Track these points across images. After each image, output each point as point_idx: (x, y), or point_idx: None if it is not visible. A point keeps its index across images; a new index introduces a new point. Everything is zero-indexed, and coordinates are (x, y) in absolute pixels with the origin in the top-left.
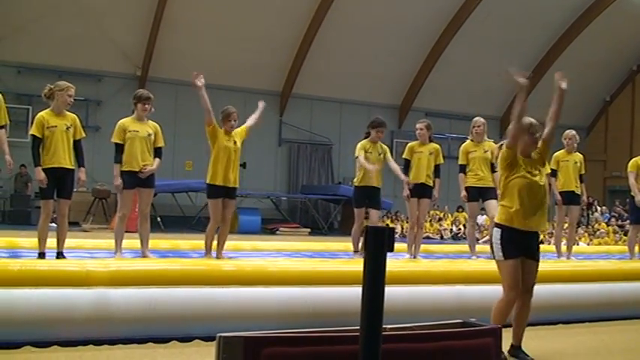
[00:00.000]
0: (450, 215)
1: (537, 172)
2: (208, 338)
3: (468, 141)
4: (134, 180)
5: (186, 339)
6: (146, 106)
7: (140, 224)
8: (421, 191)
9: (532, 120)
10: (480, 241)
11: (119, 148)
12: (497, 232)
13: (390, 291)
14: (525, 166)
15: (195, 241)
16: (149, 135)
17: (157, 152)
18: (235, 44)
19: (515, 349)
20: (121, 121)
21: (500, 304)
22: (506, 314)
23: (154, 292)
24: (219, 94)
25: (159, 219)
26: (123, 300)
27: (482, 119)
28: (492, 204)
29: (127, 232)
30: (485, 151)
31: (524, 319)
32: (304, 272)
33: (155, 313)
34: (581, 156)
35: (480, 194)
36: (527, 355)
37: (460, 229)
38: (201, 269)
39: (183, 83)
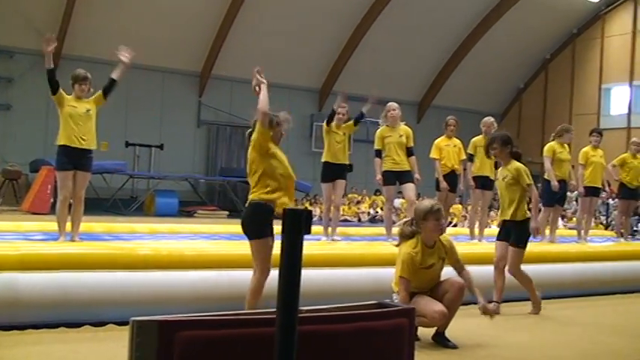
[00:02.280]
0: (367, 198)
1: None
2: (123, 323)
3: (383, 126)
4: (72, 162)
5: (99, 323)
6: (83, 86)
7: (73, 207)
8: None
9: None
10: (396, 224)
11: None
12: None
13: (307, 273)
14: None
15: (109, 224)
16: (87, 111)
17: None
18: (153, 21)
19: (439, 334)
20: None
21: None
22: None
23: (65, 276)
24: (136, 74)
25: (71, 201)
26: (33, 285)
27: (396, 104)
28: (409, 187)
29: (36, 213)
30: (401, 136)
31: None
32: (221, 255)
33: (67, 297)
34: None
35: (396, 178)
36: (449, 341)
37: (377, 212)
38: (115, 253)
39: (98, 61)
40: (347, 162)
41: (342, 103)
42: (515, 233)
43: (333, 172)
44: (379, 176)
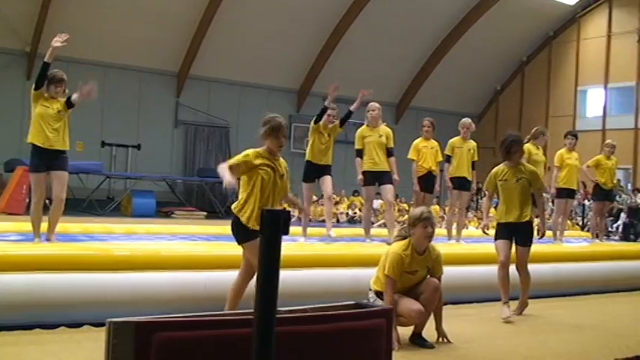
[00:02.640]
0: (346, 199)
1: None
2: (99, 324)
3: (363, 126)
4: (45, 163)
5: (75, 325)
6: (58, 88)
7: (52, 208)
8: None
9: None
10: (374, 225)
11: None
12: None
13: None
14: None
15: (86, 225)
16: (59, 112)
17: None
18: (130, 21)
19: (416, 335)
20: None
21: None
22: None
23: (41, 277)
24: (113, 73)
25: (47, 201)
26: (8, 286)
27: (377, 104)
28: (387, 188)
29: (11, 214)
30: (380, 136)
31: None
32: (199, 256)
33: (42, 299)
34: (474, 143)
35: (375, 178)
36: (427, 341)
37: (356, 212)
38: (92, 254)
39: (74, 60)
40: (330, 163)
41: (332, 105)
42: (523, 233)
43: (316, 171)
44: (360, 176)
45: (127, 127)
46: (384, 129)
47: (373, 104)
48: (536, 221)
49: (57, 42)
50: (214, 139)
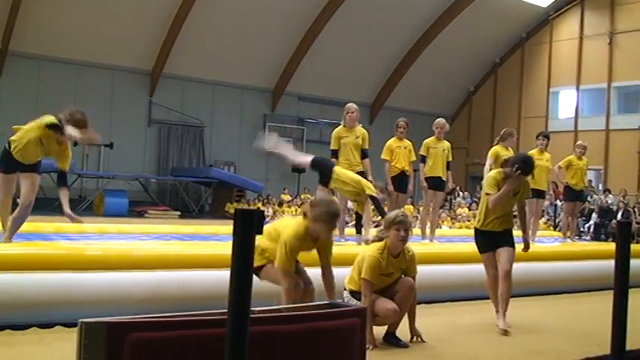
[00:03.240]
0: None
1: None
2: (71, 325)
3: (340, 126)
4: (18, 166)
5: (47, 325)
6: (63, 139)
7: (18, 209)
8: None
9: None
10: (349, 224)
11: None
12: None
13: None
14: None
15: (57, 224)
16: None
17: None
18: (103, 18)
19: (390, 335)
20: None
21: None
22: None
23: (11, 277)
24: (85, 71)
25: (18, 200)
26: None
27: (355, 105)
28: None
29: None
30: (357, 137)
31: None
32: (172, 256)
33: (12, 299)
34: (449, 144)
35: None
36: (400, 340)
37: None
38: (64, 253)
39: (47, 58)
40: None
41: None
42: (508, 237)
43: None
44: None
45: (99, 125)
46: (360, 130)
47: (352, 105)
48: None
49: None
50: (188, 138)
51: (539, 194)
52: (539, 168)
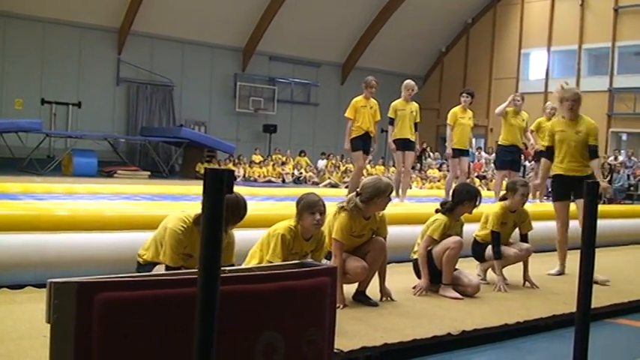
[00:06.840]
0: (292, 159)
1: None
2: (41, 285)
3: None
4: None
5: (17, 286)
6: None
7: None
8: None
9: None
10: (320, 185)
11: None
12: None
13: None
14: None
15: (26, 184)
16: None
17: None
18: None
19: (360, 293)
20: None
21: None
22: None
23: None
24: (52, 29)
25: None
26: None
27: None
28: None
29: None
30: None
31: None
32: (142, 216)
33: None
34: (417, 105)
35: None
36: (370, 299)
37: (302, 173)
38: (32, 214)
39: (13, 15)
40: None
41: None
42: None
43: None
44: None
45: (67, 84)
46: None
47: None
48: None
49: None
50: (157, 98)
51: (462, 153)
52: (461, 126)
